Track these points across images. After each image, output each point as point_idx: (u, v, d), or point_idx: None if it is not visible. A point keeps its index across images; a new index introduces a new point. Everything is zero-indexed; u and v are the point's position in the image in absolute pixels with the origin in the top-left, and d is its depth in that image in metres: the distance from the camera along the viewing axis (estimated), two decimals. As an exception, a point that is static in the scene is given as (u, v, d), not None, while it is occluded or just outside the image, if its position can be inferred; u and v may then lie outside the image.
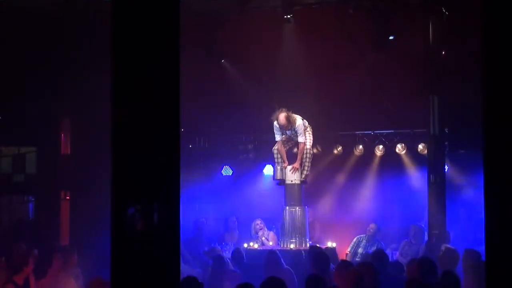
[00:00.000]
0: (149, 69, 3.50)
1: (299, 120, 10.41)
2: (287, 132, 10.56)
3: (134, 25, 3.51)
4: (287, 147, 10.78)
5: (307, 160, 10.56)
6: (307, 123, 10.59)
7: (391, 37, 11.80)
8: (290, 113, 10.37)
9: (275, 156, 10.75)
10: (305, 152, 10.54)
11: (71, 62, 11.76)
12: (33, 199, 13.38)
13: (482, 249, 4.16)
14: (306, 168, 10.57)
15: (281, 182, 10.69)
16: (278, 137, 10.60)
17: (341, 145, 13.52)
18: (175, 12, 3.58)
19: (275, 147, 10.73)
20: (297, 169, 10.47)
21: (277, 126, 10.53)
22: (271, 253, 8.69)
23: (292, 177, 10.50)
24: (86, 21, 11.60)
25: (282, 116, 10.33)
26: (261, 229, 11.59)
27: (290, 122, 10.35)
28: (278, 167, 10.65)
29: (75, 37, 11.71)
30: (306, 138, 10.49)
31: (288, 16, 12.17)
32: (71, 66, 11.74)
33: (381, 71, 12.56)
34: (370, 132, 13.34)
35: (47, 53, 11.83)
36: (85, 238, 10.92)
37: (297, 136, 10.49)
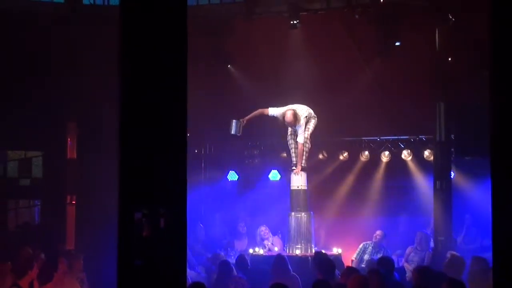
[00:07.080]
0: (156, 75, 3.51)
1: (302, 119, 10.38)
2: (293, 126, 10.53)
3: (142, 31, 3.52)
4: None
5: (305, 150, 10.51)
6: (312, 113, 10.51)
7: (397, 43, 11.77)
8: (297, 111, 10.36)
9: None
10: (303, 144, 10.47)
11: (77, 66, 11.80)
12: (39, 203, 13.41)
13: (489, 255, 4.15)
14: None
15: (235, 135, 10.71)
16: (272, 111, 10.54)
17: (347, 151, 13.51)
18: (183, 18, 3.59)
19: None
20: (300, 171, 10.40)
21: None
22: (279, 258, 8.66)
23: (298, 182, 10.46)
24: (93, 26, 11.64)
25: (289, 113, 10.32)
26: (266, 237, 11.55)
27: (297, 120, 10.35)
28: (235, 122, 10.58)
29: (82, 42, 11.75)
30: (304, 133, 10.40)
31: (295, 22, 12.18)
32: (78, 70, 11.77)
33: (387, 77, 12.55)
34: (376, 138, 13.32)
35: (53, 57, 11.87)
36: (91, 242, 10.94)
37: (297, 135, 10.45)
